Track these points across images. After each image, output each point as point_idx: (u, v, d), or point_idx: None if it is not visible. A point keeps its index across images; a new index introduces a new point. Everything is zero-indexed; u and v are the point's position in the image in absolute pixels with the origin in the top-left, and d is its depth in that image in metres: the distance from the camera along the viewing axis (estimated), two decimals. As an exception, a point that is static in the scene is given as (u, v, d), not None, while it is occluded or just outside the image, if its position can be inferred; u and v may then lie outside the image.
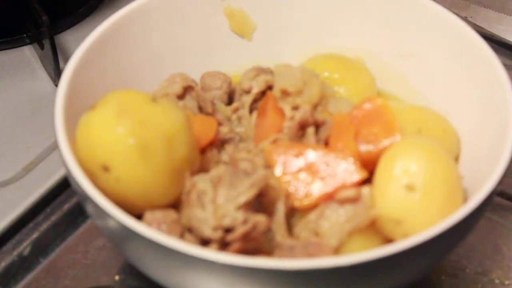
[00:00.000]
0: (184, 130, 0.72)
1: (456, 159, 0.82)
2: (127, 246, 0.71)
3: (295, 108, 0.80)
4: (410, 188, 0.70)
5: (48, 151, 0.95)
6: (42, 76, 1.06)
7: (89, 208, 0.71)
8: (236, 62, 0.94)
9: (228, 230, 0.69)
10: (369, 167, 0.74)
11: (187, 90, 0.83)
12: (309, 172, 0.74)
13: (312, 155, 0.74)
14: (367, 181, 0.73)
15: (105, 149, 0.69)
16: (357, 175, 0.72)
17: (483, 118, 0.80)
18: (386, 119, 0.78)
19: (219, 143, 0.80)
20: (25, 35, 1.10)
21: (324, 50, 0.92)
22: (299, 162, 0.74)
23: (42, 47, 1.05)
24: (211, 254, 0.63)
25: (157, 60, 0.89)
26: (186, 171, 0.72)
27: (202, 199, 0.71)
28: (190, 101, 0.83)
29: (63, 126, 0.73)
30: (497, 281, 0.84)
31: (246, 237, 0.69)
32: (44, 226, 0.87)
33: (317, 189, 0.73)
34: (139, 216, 0.72)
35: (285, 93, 0.80)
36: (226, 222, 0.69)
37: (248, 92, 0.85)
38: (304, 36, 0.94)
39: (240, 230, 0.68)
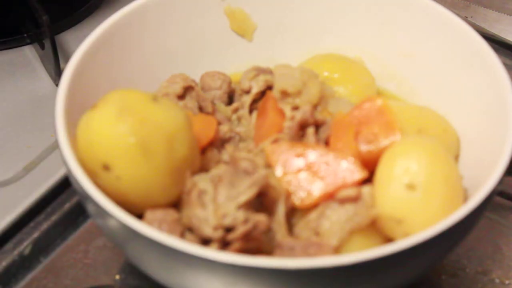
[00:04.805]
0: (184, 130, 0.72)
1: (456, 159, 0.82)
2: (127, 246, 0.71)
3: (295, 108, 0.80)
4: (410, 187, 0.70)
5: (48, 151, 0.95)
6: (43, 76, 1.06)
7: (90, 208, 0.71)
8: (236, 62, 0.94)
9: (228, 229, 0.69)
10: (370, 166, 0.74)
11: (187, 90, 0.83)
12: (309, 171, 0.74)
13: (312, 155, 0.74)
14: (368, 180, 0.74)
15: (106, 148, 0.69)
16: (358, 175, 0.73)
17: (483, 118, 0.80)
18: (386, 119, 0.78)
19: (219, 143, 0.80)
20: (25, 35, 1.10)
21: (324, 50, 0.93)
22: (299, 162, 0.74)
23: (42, 47, 1.05)
24: (212, 253, 0.63)
25: (158, 60, 0.89)
26: (186, 170, 0.72)
27: (203, 199, 0.71)
28: (190, 101, 0.83)
29: (63, 125, 0.73)
30: (497, 280, 0.84)
31: (246, 236, 0.69)
32: (45, 225, 0.87)
33: (318, 188, 0.73)
34: (139, 216, 0.72)
35: (284, 94, 0.80)
36: (227, 221, 0.69)
37: (247, 92, 0.85)
38: (304, 36, 0.94)
39: (240, 230, 0.68)
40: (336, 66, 0.88)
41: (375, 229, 0.72)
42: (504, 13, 1.13)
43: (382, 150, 0.75)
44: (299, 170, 0.74)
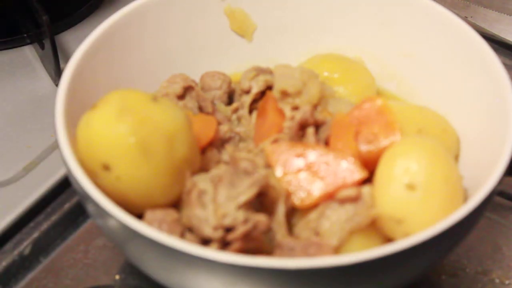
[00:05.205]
0: (184, 130, 0.72)
1: (456, 159, 0.82)
2: (127, 246, 0.71)
3: (295, 108, 0.80)
4: (410, 187, 0.70)
5: (48, 151, 0.95)
6: (43, 76, 1.06)
7: (90, 208, 0.71)
8: (236, 62, 0.94)
9: (228, 229, 0.69)
10: (369, 166, 0.74)
11: (187, 90, 0.83)
12: (309, 171, 0.74)
13: (312, 155, 0.75)
14: (368, 180, 0.74)
15: (106, 148, 0.69)
16: (358, 175, 0.73)
17: (483, 118, 0.80)
18: (386, 119, 0.78)
19: (219, 143, 0.80)
20: (25, 35, 1.10)
21: (324, 50, 0.93)
22: (299, 162, 0.74)
23: (42, 47, 1.05)
24: (212, 253, 0.63)
25: (157, 60, 0.89)
26: (186, 170, 0.72)
27: (203, 199, 0.71)
28: (190, 101, 0.83)
29: (63, 125, 0.73)
30: (497, 280, 0.84)
31: (246, 236, 0.69)
32: (45, 225, 0.87)
33: (318, 188, 0.73)
34: (139, 216, 0.72)
35: (284, 94, 0.80)
36: (227, 221, 0.69)
37: (247, 92, 0.85)
38: (304, 36, 0.94)
39: (240, 230, 0.68)
40: (336, 66, 0.89)
41: (375, 229, 0.72)
42: (504, 13, 1.13)
43: (382, 150, 0.75)
44: (299, 170, 0.74)
